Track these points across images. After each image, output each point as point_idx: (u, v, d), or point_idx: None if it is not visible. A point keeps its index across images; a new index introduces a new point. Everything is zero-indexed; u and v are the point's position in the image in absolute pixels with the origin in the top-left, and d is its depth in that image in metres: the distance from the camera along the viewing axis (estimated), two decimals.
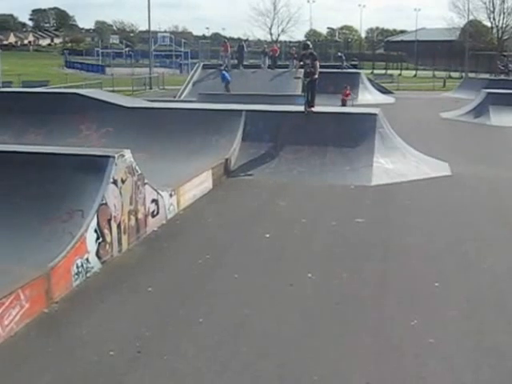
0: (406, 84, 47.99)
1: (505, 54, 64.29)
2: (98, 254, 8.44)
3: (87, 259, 8.18)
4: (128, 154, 9.48)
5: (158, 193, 10.32)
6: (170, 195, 10.86)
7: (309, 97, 15.23)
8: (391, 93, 39.75)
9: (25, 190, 8.82)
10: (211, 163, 13.33)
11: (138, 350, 6.39)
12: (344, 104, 28.00)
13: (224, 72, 33.56)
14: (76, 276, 7.91)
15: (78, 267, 7.95)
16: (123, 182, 9.19)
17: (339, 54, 52.45)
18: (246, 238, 9.99)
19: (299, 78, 16.54)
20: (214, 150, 14.26)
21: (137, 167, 9.64)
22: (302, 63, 15.71)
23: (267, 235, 10.04)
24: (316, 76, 15.11)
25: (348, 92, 29.12)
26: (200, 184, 12.33)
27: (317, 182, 13.57)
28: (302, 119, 15.19)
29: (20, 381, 5.92)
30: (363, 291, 7.93)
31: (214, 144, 14.62)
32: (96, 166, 8.98)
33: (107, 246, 8.68)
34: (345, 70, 41.38)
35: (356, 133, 14.79)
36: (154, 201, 10.20)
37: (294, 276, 8.37)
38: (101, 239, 8.52)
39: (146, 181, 9.89)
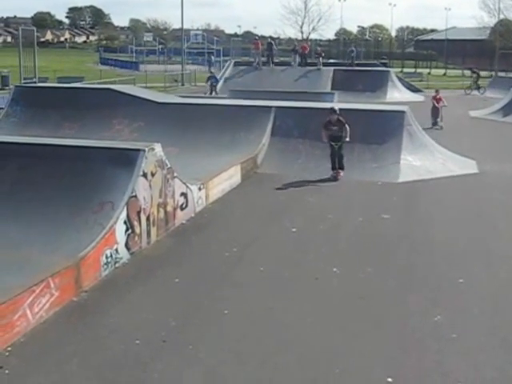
0: (436, 82, 47.49)
1: None
2: (127, 245, 8.61)
3: (116, 250, 8.36)
4: (158, 147, 9.64)
5: (187, 186, 10.47)
6: (199, 189, 11.00)
7: (336, 162, 13.70)
8: (420, 91, 39.34)
9: (58, 182, 9.04)
10: (240, 158, 13.45)
11: (164, 340, 6.52)
12: (436, 113, 22.93)
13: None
14: (105, 266, 8.09)
15: (107, 258, 8.14)
16: (153, 175, 9.35)
17: (351, 49, 47.35)
18: (273, 232, 10.09)
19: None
20: (243, 145, 14.38)
21: (166, 161, 9.80)
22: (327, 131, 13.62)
23: (294, 229, 10.12)
24: (348, 139, 13.46)
25: (439, 96, 23.44)
26: (229, 178, 12.46)
27: (344, 178, 13.60)
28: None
29: (49, 367, 6.09)
30: (387, 286, 7.97)
31: (244, 139, 14.73)
32: (127, 160, 9.16)
33: (136, 238, 8.86)
34: (374, 69, 40.72)
35: (384, 130, 14.75)
36: (183, 194, 10.35)
37: (320, 270, 8.43)
38: (130, 231, 8.70)
39: (175, 174, 10.04)
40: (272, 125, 15.16)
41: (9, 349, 6.30)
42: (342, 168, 13.65)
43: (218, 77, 35.97)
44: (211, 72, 37.86)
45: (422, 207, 11.88)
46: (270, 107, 15.50)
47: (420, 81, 49.01)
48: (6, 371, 5.98)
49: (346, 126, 13.34)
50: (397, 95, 34.09)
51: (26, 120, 17.06)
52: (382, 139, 14.56)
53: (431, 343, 6.53)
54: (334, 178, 13.58)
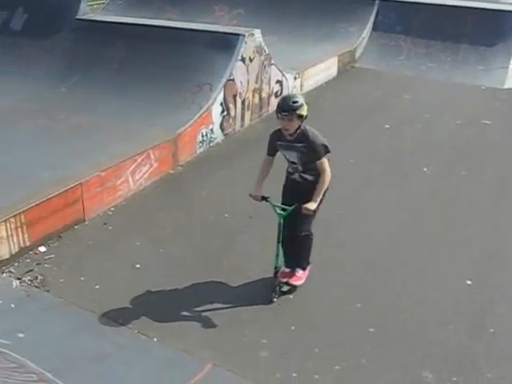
0: None
1: None
2: (221, 127, 8.98)
3: (212, 130, 8.74)
4: (258, 33, 9.73)
5: (283, 74, 10.57)
6: (295, 78, 11.08)
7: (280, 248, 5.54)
8: None
9: (161, 62, 9.38)
10: (338, 50, 13.28)
11: (250, 216, 6.90)
12: None
13: None
14: (200, 144, 8.52)
15: (202, 136, 8.55)
16: (251, 60, 9.50)
17: None
18: (365, 127, 10.10)
19: None
20: (342, 38, 14.10)
21: (265, 47, 9.89)
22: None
23: (387, 126, 10.10)
24: (323, 190, 5.28)
25: None
26: (324, 70, 12.40)
27: (446, 79, 13.17)
28: (437, 12, 14.54)
29: (145, 227, 6.67)
30: (479, 192, 7.84)
31: (343, 32, 14.42)
32: (226, 44, 9.35)
33: (231, 120, 9.19)
34: None
35: (494, 31, 13.94)
36: (279, 82, 10.48)
37: (410, 168, 8.47)
38: (225, 113, 9.02)
39: (272, 61, 10.15)
40: (374, 19, 14.73)
41: (112, 209, 6.93)
42: (299, 265, 5.70)
43: None
44: None
45: None
46: (374, 0, 15.00)
47: None
48: (110, 227, 6.62)
49: (317, 147, 5.24)
50: None
51: (132, 3, 17.34)
52: (491, 41, 13.82)
53: None
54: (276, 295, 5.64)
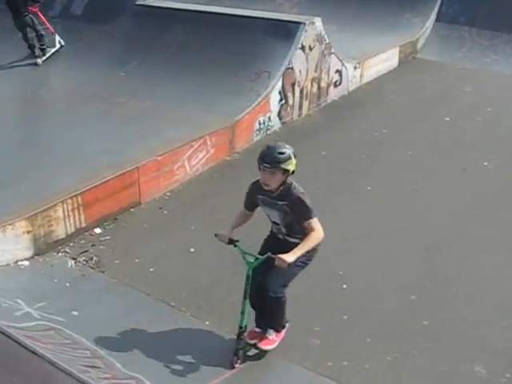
0: None
1: None
2: (279, 115, 8.92)
3: (269, 118, 8.70)
4: (318, 22, 9.61)
5: (342, 64, 10.43)
6: (355, 68, 10.91)
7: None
8: None
9: (219, 48, 9.36)
10: (399, 41, 13.01)
11: None
12: None
13: None
14: (257, 132, 8.49)
15: (259, 124, 8.52)
16: (311, 49, 9.40)
17: None
18: (425, 119, 9.87)
19: None
20: (404, 29, 13.77)
21: (325, 36, 9.76)
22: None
23: (447, 118, 9.85)
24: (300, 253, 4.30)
25: None
26: (385, 60, 12.17)
27: (511, 72, 12.74)
28: (504, 2, 14.06)
29: (201, 212, 6.69)
30: None
31: (406, 23, 14.10)
32: (286, 31, 9.26)
33: (288, 109, 9.12)
34: None
35: None
36: (338, 71, 10.34)
37: (470, 162, 8.24)
38: (283, 101, 8.96)
39: (332, 50, 10.01)
40: (438, 9, 14.36)
41: (168, 193, 6.99)
42: (272, 327, 4.66)
43: None
44: None
45: None
46: None
47: None
48: (165, 211, 6.67)
49: (302, 206, 4.37)
50: None
51: None
52: None
53: None
54: None
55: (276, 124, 8.86)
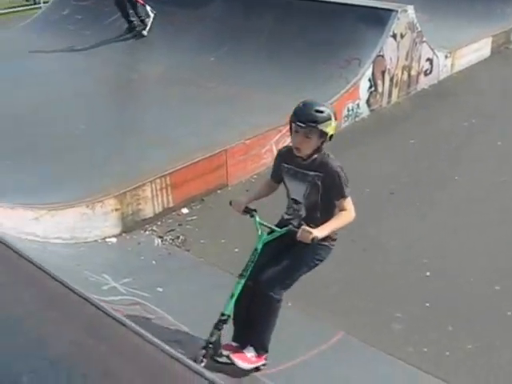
0: None
1: None
2: (368, 102, 8.85)
3: (358, 105, 8.64)
4: (411, 9, 9.44)
5: (433, 52, 10.19)
6: (446, 57, 10.65)
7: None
8: None
9: (308, 35, 9.34)
10: (492, 31, 12.57)
11: (391, 192, 6.80)
12: None
13: None
14: (346, 118, 8.45)
15: (348, 110, 8.47)
16: (402, 36, 9.24)
17: None
18: None
19: None
20: (498, 19, 13.24)
21: (417, 24, 9.57)
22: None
23: None
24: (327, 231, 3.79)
25: None
26: (477, 50, 11.79)
27: None
28: None
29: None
30: None
31: (499, 12, 13.59)
32: (378, 19, 9.14)
33: (378, 96, 9.02)
34: None
35: None
36: (429, 60, 10.12)
37: None
38: (373, 88, 8.87)
39: (424, 39, 9.81)
40: None
41: (255, 176, 7.07)
42: (252, 344, 4.03)
43: None
44: None
45: None
46: None
47: None
48: None
49: (340, 179, 3.76)
50: None
51: None
52: None
53: None
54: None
55: (365, 111, 8.79)
